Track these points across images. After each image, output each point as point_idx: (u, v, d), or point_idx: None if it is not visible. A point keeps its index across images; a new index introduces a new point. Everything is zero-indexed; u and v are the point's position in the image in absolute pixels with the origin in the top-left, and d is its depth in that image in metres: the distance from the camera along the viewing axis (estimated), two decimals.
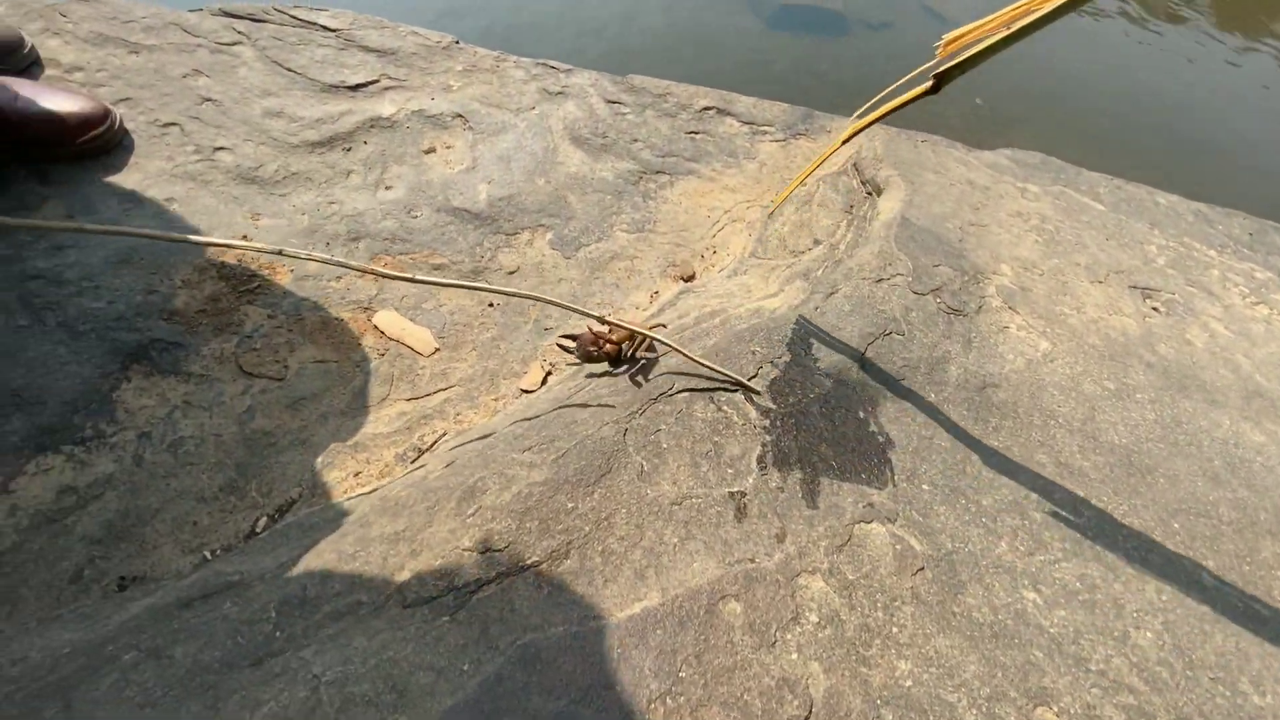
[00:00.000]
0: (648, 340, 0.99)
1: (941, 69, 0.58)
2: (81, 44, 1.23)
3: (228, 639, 0.51)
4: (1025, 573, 0.64)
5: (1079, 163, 1.58)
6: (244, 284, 1.02)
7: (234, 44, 1.34)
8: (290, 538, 0.77)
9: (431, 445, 0.92)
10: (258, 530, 0.83)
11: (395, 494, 0.68)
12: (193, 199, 1.09)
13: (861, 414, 0.77)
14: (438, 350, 1.03)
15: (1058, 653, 0.59)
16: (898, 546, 0.62)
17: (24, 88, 1.05)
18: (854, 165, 1.41)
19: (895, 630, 0.56)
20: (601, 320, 0.83)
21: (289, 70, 1.33)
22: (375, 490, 0.83)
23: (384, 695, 0.47)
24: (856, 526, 0.63)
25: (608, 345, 0.95)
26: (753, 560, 0.58)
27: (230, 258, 1.04)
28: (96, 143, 1.08)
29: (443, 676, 0.48)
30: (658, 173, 1.35)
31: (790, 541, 0.60)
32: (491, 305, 1.10)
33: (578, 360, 0.99)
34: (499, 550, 0.55)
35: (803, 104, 1.57)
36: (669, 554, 0.57)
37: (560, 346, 0.98)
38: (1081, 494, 0.74)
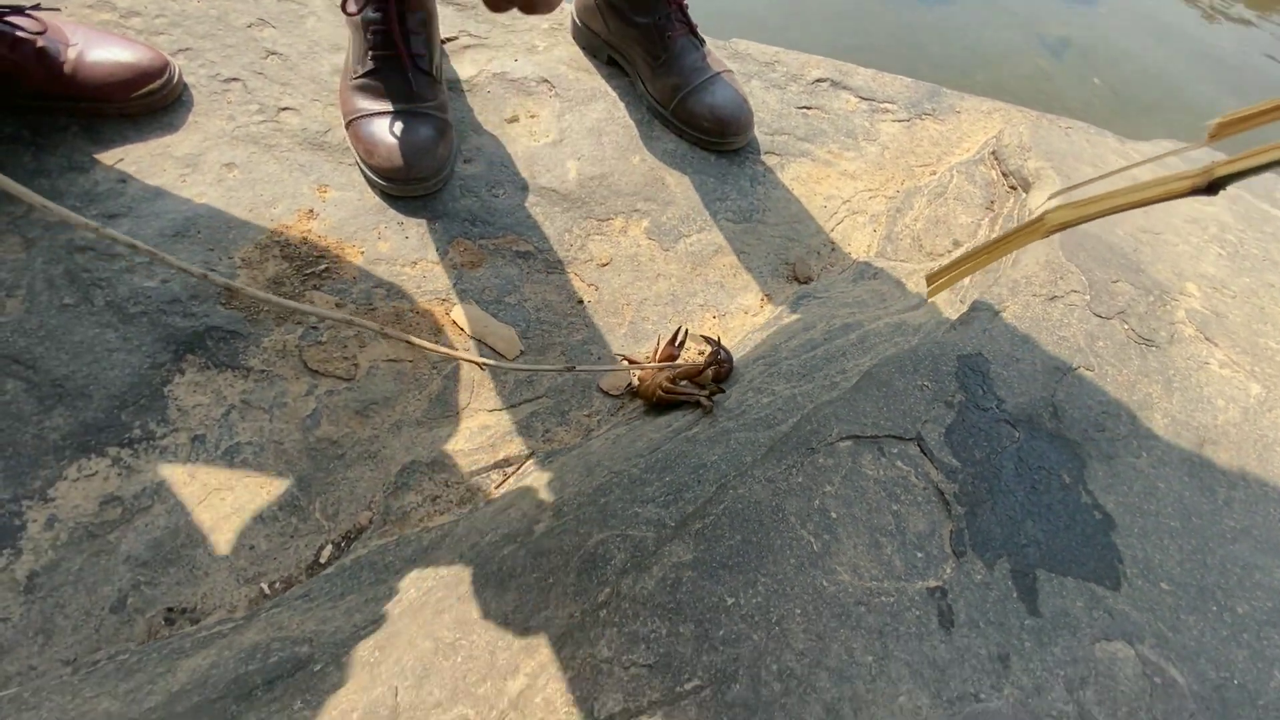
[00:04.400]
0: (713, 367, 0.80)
1: (1219, 173, 0.37)
2: None
3: None
4: None
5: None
6: (310, 265, 0.90)
7: None
8: (361, 581, 0.65)
9: (518, 468, 0.79)
10: (322, 560, 0.72)
11: (495, 550, 0.55)
12: (255, 165, 0.97)
13: (1066, 478, 0.61)
14: (522, 353, 0.90)
15: None
16: (1156, 679, 0.47)
17: (77, 35, 0.93)
18: (992, 154, 1.21)
19: None
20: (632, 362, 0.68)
21: None
22: (459, 523, 0.71)
23: None
24: (1098, 646, 0.48)
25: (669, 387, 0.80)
26: (977, 696, 0.44)
27: (295, 233, 0.92)
28: (154, 98, 0.96)
29: None
30: (766, 153, 1.18)
31: (1018, 667, 0.46)
32: (581, 303, 0.96)
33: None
34: (646, 666, 0.42)
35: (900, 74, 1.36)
36: (865, 680, 0.43)
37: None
38: None
